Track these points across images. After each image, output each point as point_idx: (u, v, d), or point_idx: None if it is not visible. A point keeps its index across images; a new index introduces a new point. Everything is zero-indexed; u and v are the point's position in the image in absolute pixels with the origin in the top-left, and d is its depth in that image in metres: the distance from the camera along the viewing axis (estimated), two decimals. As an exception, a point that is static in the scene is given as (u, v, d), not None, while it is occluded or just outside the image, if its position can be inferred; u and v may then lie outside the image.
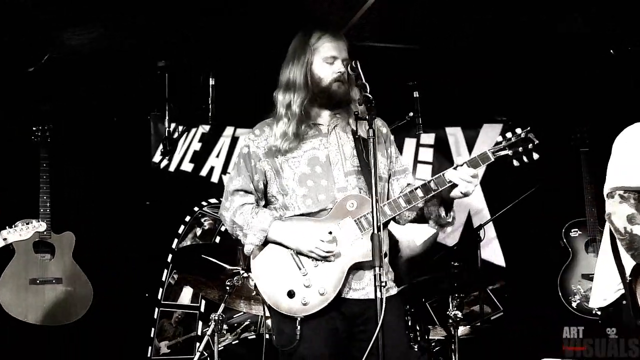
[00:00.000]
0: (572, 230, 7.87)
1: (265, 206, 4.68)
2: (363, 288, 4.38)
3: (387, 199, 4.57)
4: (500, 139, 4.48)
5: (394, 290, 4.60)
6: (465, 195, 4.37)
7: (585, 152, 7.84)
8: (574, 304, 7.63)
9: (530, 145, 4.42)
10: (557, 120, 8.07)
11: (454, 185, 4.36)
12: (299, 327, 4.29)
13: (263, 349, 5.85)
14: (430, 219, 4.62)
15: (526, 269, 8.29)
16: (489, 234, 8.37)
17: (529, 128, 4.47)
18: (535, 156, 4.46)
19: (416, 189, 4.40)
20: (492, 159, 4.42)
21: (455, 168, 4.36)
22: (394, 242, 8.17)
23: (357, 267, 4.35)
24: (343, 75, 4.50)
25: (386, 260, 4.53)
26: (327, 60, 4.54)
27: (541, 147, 4.47)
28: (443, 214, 4.55)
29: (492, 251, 8.51)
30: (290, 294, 4.34)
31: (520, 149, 4.42)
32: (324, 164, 4.51)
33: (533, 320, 8.16)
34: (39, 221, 6.15)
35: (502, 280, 8.14)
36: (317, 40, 4.59)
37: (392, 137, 4.82)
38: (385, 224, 4.50)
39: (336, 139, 4.56)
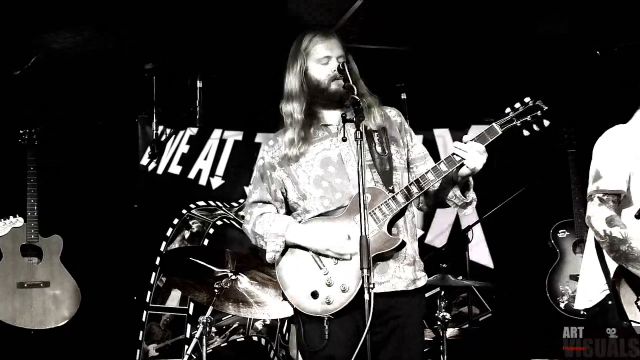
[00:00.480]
0: (560, 231, 7.88)
1: (288, 214, 4.68)
2: (388, 281, 4.36)
3: None
4: (508, 110, 4.37)
5: (422, 281, 4.58)
6: (473, 171, 4.31)
7: (572, 153, 7.85)
8: (561, 305, 7.64)
9: (539, 113, 4.32)
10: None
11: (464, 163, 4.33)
12: (327, 327, 4.31)
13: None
14: (450, 202, 4.61)
15: (514, 270, 8.31)
16: (477, 235, 8.39)
17: (536, 98, 4.39)
18: (546, 123, 4.33)
19: (427, 173, 4.35)
20: (500, 132, 4.32)
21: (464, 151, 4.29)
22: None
23: (379, 259, 4.31)
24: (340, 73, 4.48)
25: (410, 250, 4.51)
26: (321, 61, 4.55)
27: (551, 114, 4.35)
28: (458, 193, 4.52)
29: (480, 252, 8.53)
30: (314, 295, 4.35)
31: (529, 117, 4.32)
32: (336, 163, 4.52)
33: (521, 321, 8.18)
34: (15, 216, 6.14)
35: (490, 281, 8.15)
36: (308, 44, 4.59)
37: (407, 126, 4.79)
38: (402, 212, 4.45)
39: (346, 136, 4.51)
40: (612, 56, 6.90)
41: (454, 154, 4.32)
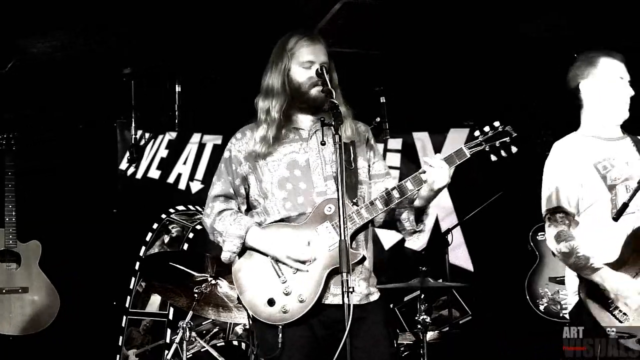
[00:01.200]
0: (539, 234, 7.88)
1: (248, 210, 4.64)
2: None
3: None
4: (477, 133, 4.34)
5: (375, 296, 4.53)
6: (431, 187, 4.25)
7: (550, 156, 7.85)
8: (541, 307, 7.65)
9: (508, 139, 4.30)
10: (523, 124, 8.10)
11: None
12: (280, 335, 4.26)
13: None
14: (400, 225, 4.57)
15: (494, 272, 8.32)
16: (457, 238, 8.39)
17: (506, 122, 4.36)
18: (514, 149, 4.30)
19: (393, 189, 4.32)
20: (468, 156, 4.29)
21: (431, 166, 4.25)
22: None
23: (337, 273, 4.13)
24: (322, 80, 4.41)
25: (367, 264, 4.47)
26: (304, 65, 4.48)
27: (519, 140, 4.34)
28: (412, 218, 4.49)
29: (460, 255, 8.54)
30: (270, 302, 4.30)
31: (498, 143, 4.29)
32: (303, 167, 4.46)
33: (501, 324, 8.20)
34: None
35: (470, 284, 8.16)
36: (294, 45, 4.53)
37: (372, 142, 4.75)
38: (364, 227, 4.43)
39: (317, 144, 4.49)
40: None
41: (421, 172, 4.30)
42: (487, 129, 4.34)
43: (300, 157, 4.50)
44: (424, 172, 4.28)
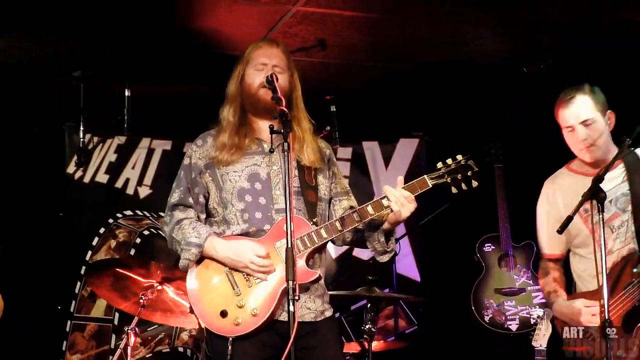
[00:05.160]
0: (486, 245, 7.93)
1: (206, 218, 4.61)
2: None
3: (328, 220, 4.54)
4: (440, 165, 4.42)
5: (329, 312, 4.56)
6: (397, 217, 4.35)
7: (499, 167, 7.89)
8: (486, 318, 7.69)
9: (469, 173, 4.39)
10: (472, 135, 8.16)
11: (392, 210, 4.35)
12: (230, 347, 4.24)
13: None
14: (370, 245, 4.63)
15: (440, 283, 8.37)
16: (405, 248, 8.43)
17: (469, 155, 4.44)
18: (475, 184, 4.40)
19: (353, 212, 4.37)
20: (430, 186, 4.37)
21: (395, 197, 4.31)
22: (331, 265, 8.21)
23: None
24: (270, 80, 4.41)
25: (321, 281, 4.50)
26: (256, 67, 4.51)
27: (481, 174, 4.43)
28: (382, 239, 4.54)
29: (407, 265, 8.57)
30: (223, 314, 4.28)
31: (460, 176, 4.38)
32: (264, 181, 4.46)
33: (447, 335, 8.24)
34: None
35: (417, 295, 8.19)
36: (250, 51, 4.59)
37: (334, 159, 4.81)
38: (323, 247, 4.48)
39: (279, 159, 4.44)
40: (538, 73, 7.00)
41: (382, 197, 4.36)
42: (449, 161, 4.43)
43: (261, 171, 4.50)
44: (385, 197, 4.34)
